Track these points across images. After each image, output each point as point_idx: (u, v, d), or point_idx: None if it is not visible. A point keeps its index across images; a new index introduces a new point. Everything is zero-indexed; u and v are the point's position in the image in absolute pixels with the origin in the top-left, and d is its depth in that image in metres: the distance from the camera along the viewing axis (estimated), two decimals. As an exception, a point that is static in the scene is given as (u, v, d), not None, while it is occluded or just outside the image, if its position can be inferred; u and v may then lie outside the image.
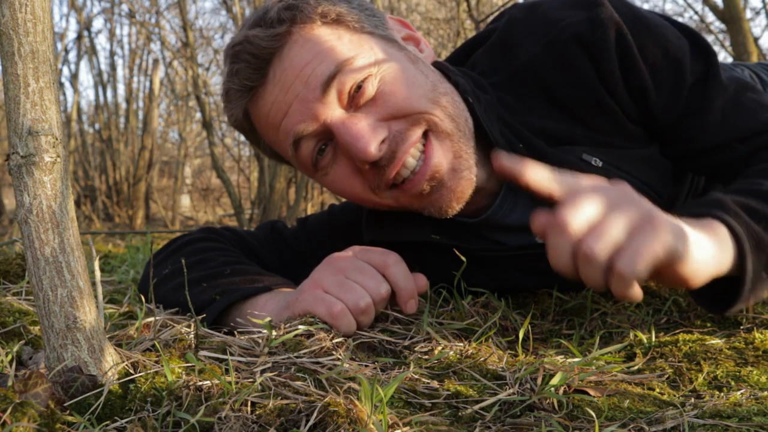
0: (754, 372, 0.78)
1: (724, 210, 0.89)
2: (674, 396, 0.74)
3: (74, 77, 8.54)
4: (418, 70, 1.08)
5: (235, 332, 0.95)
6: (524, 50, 1.13)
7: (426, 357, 0.85)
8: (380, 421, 0.61)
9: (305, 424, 0.61)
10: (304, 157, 1.09)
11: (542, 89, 1.12)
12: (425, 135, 1.05)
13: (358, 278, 0.95)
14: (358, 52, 1.04)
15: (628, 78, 1.08)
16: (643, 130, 1.14)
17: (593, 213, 0.78)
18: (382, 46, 1.07)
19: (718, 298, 0.91)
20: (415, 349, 0.87)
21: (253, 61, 1.05)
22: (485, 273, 1.17)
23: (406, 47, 1.12)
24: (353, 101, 1.03)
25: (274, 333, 0.85)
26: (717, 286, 0.88)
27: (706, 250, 0.82)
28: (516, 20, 1.16)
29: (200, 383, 0.68)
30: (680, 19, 1.39)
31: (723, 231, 0.86)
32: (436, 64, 1.15)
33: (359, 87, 1.02)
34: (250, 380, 0.72)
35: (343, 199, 1.32)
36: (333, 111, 1.03)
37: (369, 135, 1.00)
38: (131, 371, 0.72)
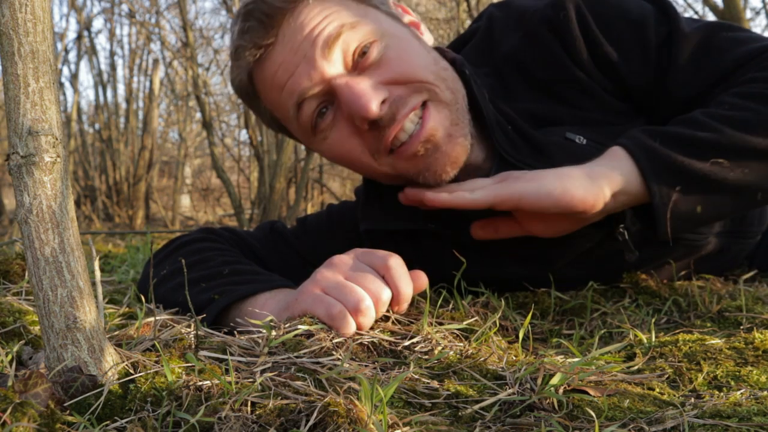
0: (754, 372, 0.78)
1: (624, 137, 1.05)
2: (674, 396, 0.74)
3: (74, 77, 8.55)
4: (421, 45, 1.13)
5: (235, 332, 0.95)
6: (505, 43, 1.20)
7: (426, 357, 0.85)
8: (380, 421, 0.61)
9: (305, 424, 0.61)
10: (305, 119, 1.10)
11: (524, 76, 1.18)
12: (423, 103, 1.08)
13: (359, 281, 0.94)
14: (364, 20, 1.07)
15: (594, 52, 1.14)
16: (627, 104, 1.18)
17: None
18: (387, 20, 1.11)
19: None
20: (415, 349, 0.87)
21: (265, 20, 1.07)
22: (483, 262, 1.17)
23: (408, 27, 1.16)
24: (357, 65, 1.06)
25: (273, 333, 0.85)
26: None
27: (586, 176, 0.99)
28: (495, 17, 1.24)
29: (200, 383, 0.68)
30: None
31: (619, 152, 1.02)
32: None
33: (364, 52, 1.05)
34: (250, 380, 0.72)
35: (343, 198, 1.33)
36: (337, 71, 1.06)
37: (370, 93, 1.03)
38: (131, 371, 0.72)
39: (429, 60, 1.10)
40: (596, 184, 0.98)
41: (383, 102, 1.04)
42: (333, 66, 1.05)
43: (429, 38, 1.19)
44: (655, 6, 1.16)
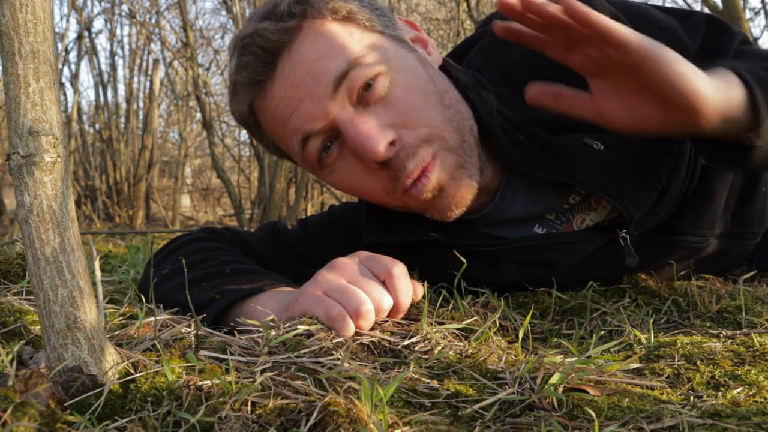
0: (753, 371, 0.78)
1: (728, 66, 0.93)
2: (673, 395, 0.75)
3: (75, 77, 8.52)
4: (428, 74, 1.09)
5: (235, 332, 0.95)
6: (519, 45, 1.14)
7: (426, 357, 0.85)
8: (380, 420, 0.61)
9: (305, 424, 0.61)
10: (311, 154, 1.09)
11: (538, 79, 1.13)
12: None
13: (361, 285, 0.93)
14: (369, 51, 1.04)
15: None
16: None
17: None
18: (393, 47, 1.08)
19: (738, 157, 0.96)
20: (415, 348, 0.87)
21: (262, 54, 1.04)
22: (486, 269, 1.17)
23: (415, 49, 1.13)
24: (362, 99, 1.03)
25: (272, 333, 0.86)
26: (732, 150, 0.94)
27: (706, 77, 0.86)
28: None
29: (200, 383, 0.68)
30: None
31: (727, 72, 0.91)
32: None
33: (369, 85, 1.02)
34: (250, 380, 0.73)
35: (344, 199, 1.33)
36: (342, 108, 1.03)
37: (377, 134, 1.01)
38: (131, 371, 0.72)
39: (437, 97, 1.06)
40: (723, 94, 0.87)
41: (391, 143, 1.02)
42: (338, 103, 1.03)
43: (437, 56, 1.16)
44: (677, 18, 1.12)
